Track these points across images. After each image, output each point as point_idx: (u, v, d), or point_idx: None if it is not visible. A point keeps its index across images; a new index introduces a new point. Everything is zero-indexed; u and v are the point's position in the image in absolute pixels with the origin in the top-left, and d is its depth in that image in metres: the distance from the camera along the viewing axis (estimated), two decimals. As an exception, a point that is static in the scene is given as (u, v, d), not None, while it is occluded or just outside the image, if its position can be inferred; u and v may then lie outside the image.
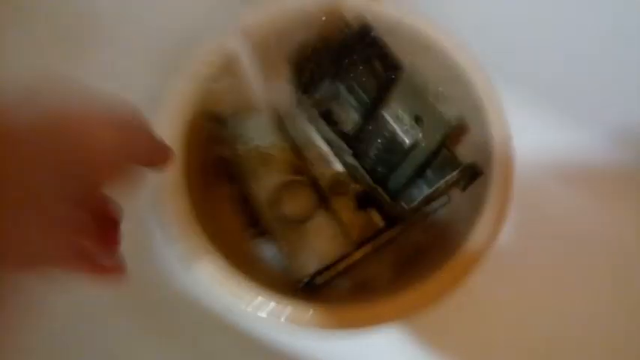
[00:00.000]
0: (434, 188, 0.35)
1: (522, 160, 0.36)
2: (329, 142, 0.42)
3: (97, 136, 0.20)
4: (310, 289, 0.39)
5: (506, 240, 0.36)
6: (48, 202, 0.18)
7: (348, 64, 0.40)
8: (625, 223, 0.47)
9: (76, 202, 0.19)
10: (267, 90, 0.40)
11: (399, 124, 0.36)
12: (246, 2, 0.42)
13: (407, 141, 0.35)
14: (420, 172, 0.37)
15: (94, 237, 0.21)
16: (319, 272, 0.38)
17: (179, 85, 0.39)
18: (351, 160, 0.40)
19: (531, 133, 0.41)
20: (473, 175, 0.35)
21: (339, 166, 0.41)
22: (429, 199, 0.38)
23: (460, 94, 0.38)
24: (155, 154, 0.24)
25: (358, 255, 0.39)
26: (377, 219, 0.40)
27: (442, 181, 0.34)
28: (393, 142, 0.37)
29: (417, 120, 0.34)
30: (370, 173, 0.39)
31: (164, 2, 0.49)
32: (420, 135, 0.35)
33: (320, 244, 0.39)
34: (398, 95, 0.35)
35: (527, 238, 0.45)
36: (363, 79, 0.40)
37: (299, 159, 0.42)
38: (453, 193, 0.43)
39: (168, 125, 0.38)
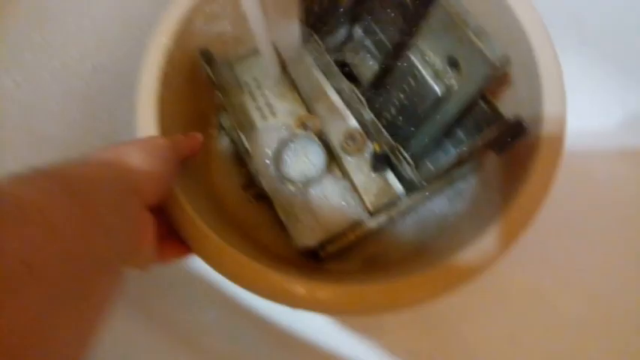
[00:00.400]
0: (466, 147, 0.29)
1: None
2: (341, 93, 0.36)
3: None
4: (315, 261, 0.33)
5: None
6: None
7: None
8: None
9: None
10: (272, 27, 0.34)
11: (428, 68, 0.29)
12: None
13: (437, 89, 0.29)
14: (449, 130, 0.31)
15: None
16: (327, 243, 0.32)
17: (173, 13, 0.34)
18: (367, 113, 0.34)
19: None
20: (515, 133, 0.29)
21: (352, 122, 0.35)
22: (458, 162, 0.31)
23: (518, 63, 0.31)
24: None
25: (372, 225, 0.33)
26: (395, 184, 0.34)
27: (477, 138, 0.28)
28: (419, 91, 0.30)
29: (452, 63, 0.28)
30: (389, 130, 0.33)
31: None
32: (454, 82, 0.28)
33: (327, 211, 0.33)
34: (428, 32, 0.28)
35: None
36: (384, 17, 0.34)
37: (306, 111, 0.36)
38: (486, 160, 0.37)
39: (156, 64, 0.32)
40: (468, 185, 0.38)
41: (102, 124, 0.37)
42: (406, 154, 0.32)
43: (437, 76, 0.29)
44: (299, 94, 0.36)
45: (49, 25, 0.32)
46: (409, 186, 0.33)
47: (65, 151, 0.33)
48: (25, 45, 0.31)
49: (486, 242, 0.27)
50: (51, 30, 0.32)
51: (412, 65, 0.30)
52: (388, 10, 0.32)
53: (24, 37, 0.31)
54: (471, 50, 0.26)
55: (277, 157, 0.35)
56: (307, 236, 0.32)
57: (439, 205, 0.38)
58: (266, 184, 0.34)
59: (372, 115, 0.34)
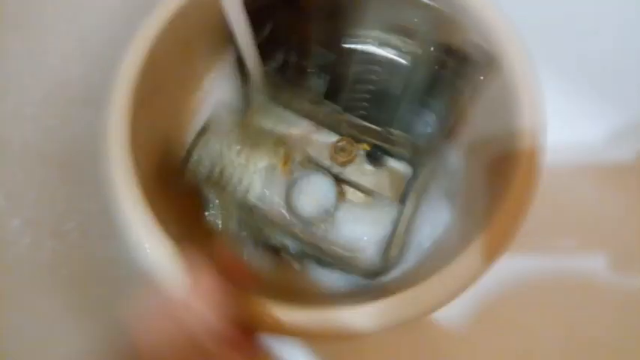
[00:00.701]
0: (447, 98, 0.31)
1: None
2: (309, 116, 0.35)
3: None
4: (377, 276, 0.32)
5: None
6: None
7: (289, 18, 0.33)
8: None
9: None
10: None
11: (386, 48, 0.30)
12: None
13: (404, 61, 0.30)
14: (425, 100, 0.33)
15: None
16: (386, 251, 0.31)
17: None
18: (343, 119, 0.34)
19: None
20: (484, 67, 0.31)
21: (332, 136, 0.35)
22: (446, 120, 0.33)
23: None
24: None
25: (409, 211, 0.32)
26: (401, 167, 0.34)
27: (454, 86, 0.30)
28: (389, 73, 0.31)
29: (405, 32, 0.29)
30: (369, 120, 0.33)
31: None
32: (415, 47, 0.30)
33: (365, 223, 0.32)
34: (372, 14, 0.30)
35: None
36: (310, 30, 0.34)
37: (284, 146, 0.35)
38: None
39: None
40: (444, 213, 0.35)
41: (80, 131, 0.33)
42: (396, 131, 0.33)
43: (398, 49, 0.30)
44: (270, 133, 0.35)
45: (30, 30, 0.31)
46: (415, 163, 0.34)
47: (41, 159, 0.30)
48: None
49: (467, 262, 0.25)
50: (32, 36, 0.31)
51: (370, 55, 0.31)
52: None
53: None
54: (415, 6, 0.28)
55: (291, 208, 0.33)
56: (368, 257, 0.31)
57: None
58: (299, 245, 0.32)
59: (347, 117, 0.34)
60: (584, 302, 0.37)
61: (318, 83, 0.38)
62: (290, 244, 0.32)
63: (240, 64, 0.33)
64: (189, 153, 0.32)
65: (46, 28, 0.32)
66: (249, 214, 0.33)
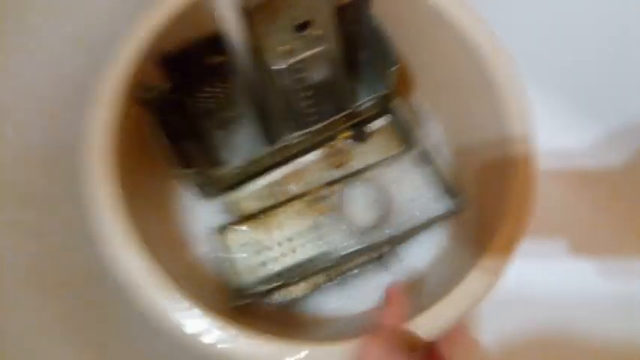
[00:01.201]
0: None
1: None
2: (275, 163, 0.36)
3: None
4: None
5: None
6: None
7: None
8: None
9: None
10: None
11: (302, 52, 0.29)
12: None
13: (321, 48, 0.30)
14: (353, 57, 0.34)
15: None
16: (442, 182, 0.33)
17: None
18: (311, 131, 0.34)
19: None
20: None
21: (316, 152, 0.36)
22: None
23: (472, 79, 0.32)
24: None
25: (440, 161, 0.34)
26: (383, 122, 0.37)
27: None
28: (316, 70, 0.31)
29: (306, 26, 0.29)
30: (333, 110, 0.34)
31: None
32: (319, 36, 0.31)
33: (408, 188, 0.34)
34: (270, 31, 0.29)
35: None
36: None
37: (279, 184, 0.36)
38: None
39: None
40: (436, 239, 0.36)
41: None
42: (362, 101, 0.34)
43: (308, 47, 0.31)
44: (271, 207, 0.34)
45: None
46: (385, 107, 0.36)
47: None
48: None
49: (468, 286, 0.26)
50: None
51: (287, 68, 0.30)
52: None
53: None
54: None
55: (359, 229, 0.33)
56: (438, 205, 0.33)
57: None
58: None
59: (314, 127, 0.34)
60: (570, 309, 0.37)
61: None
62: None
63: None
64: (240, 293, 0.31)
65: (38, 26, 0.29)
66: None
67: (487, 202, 0.31)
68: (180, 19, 0.31)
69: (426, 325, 0.25)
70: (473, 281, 0.26)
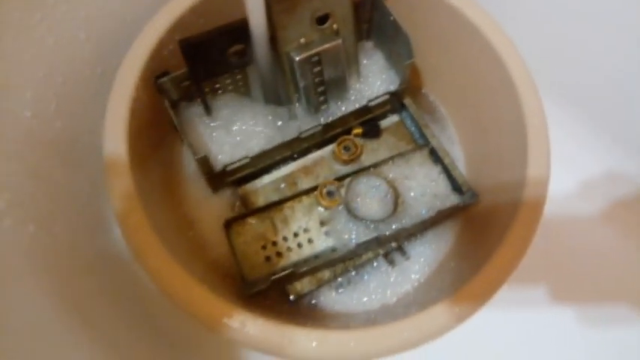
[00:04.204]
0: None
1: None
2: (288, 157, 0.35)
3: None
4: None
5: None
6: None
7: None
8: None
9: None
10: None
11: (313, 46, 0.30)
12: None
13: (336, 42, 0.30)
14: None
15: None
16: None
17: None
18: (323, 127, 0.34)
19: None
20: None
21: (327, 147, 0.36)
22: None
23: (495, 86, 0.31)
24: None
25: (435, 141, 0.34)
26: (395, 120, 0.36)
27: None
28: (331, 62, 0.31)
29: (323, 20, 0.30)
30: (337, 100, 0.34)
31: None
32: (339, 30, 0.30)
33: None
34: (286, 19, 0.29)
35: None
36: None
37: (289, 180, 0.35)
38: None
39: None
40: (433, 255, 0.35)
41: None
42: (372, 98, 0.34)
43: (324, 39, 0.30)
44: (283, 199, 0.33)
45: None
46: (396, 104, 0.36)
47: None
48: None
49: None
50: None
51: (304, 60, 0.30)
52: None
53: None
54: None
55: (372, 221, 0.32)
56: (451, 197, 0.33)
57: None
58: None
59: (328, 120, 0.34)
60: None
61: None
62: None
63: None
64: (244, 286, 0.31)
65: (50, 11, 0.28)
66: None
67: (491, 218, 0.30)
68: (202, 6, 0.31)
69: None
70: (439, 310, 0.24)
